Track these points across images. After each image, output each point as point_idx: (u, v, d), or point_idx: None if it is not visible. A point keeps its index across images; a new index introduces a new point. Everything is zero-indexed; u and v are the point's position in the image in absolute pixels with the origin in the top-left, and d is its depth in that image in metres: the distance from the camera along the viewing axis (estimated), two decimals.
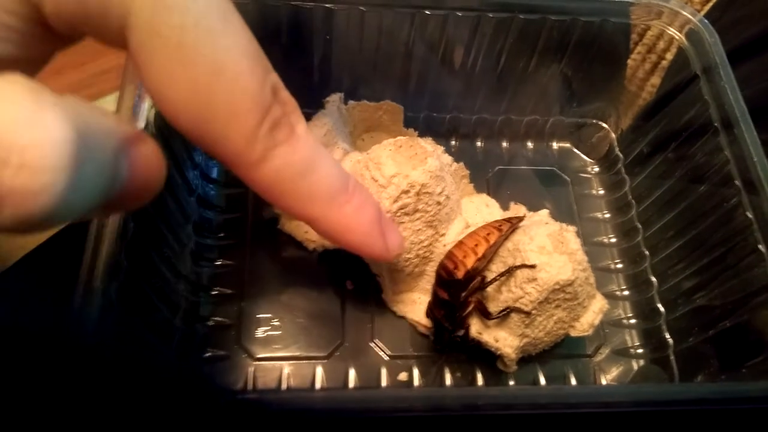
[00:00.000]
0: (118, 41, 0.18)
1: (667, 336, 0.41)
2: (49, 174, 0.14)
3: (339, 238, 0.25)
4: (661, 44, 0.46)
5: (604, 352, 0.42)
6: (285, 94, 0.21)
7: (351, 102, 0.44)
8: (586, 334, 0.37)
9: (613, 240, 0.47)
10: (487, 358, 0.39)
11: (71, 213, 0.16)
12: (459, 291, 0.35)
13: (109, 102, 0.49)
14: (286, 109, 0.21)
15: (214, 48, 0.18)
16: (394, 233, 0.27)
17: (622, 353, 0.42)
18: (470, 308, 0.36)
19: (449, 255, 0.36)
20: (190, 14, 0.18)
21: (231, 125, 0.19)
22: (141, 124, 0.34)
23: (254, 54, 0.20)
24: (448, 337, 0.37)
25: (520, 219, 0.39)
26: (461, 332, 0.37)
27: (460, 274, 0.35)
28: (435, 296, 0.36)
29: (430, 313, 0.38)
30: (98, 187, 0.17)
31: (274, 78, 0.21)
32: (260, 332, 0.40)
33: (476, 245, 0.35)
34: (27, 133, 0.14)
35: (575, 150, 0.52)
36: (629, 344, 0.43)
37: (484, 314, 0.37)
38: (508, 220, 0.38)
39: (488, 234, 0.36)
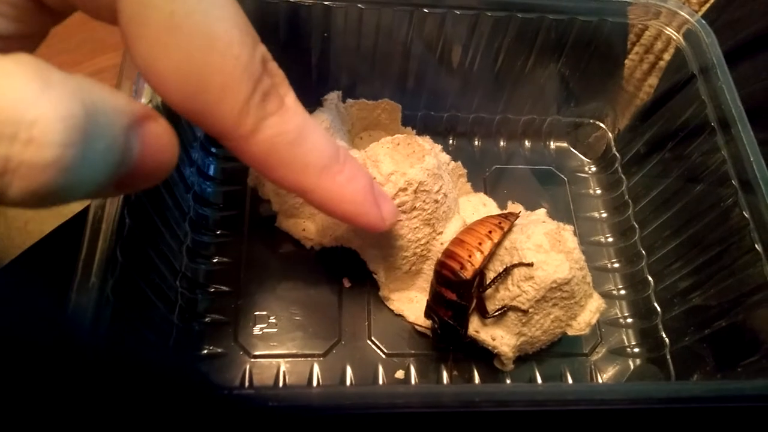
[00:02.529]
0: (109, 15, 0.18)
1: (664, 335, 0.41)
2: (56, 149, 0.15)
3: (334, 209, 0.25)
4: (659, 44, 0.46)
5: (601, 351, 0.42)
6: (273, 66, 0.21)
7: (349, 100, 0.44)
8: (582, 333, 0.37)
9: (610, 239, 0.48)
10: (484, 356, 0.39)
11: (81, 188, 0.16)
12: (468, 291, 0.35)
13: None
14: (275, 81, 0.21)
15: (206, 18, 0.19)
16: (387, 203, 0.28)
17: (618, 352, 0.42)
18: (472, 306, 0.36)
19: (451, 254, 0.35)
20: None
21: (223, 96, 0.20)
22: None
23: (244, 25, 0.20)
24: (458, 337, 0.37)
25: (517, 216, 0.39)
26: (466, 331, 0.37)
27: (467, 274, 0.35)
28: (439, 297, 0.36)
29: (429, 314, 0.37)
30: (108, 163, 0.17)
31: (263, 49, 0.21)
32: (257, 329, 0.40)
33: (480, 243, 0.35)
34: (34, 109, 0.15)
35: (572, 149, 0.52)
36: (626, 343, 0.43)
37: (482, 312, 0.36)
38: (506, 216, 0.38)
39: (490, 232, 0.36)
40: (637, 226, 0.46)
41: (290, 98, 0.22)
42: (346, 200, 0.25)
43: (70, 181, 0.16)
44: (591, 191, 0.50)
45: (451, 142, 0.51)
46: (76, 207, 0.38)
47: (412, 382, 0.39)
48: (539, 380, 0.40)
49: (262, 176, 0.30)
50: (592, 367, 0.42)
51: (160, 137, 0.19)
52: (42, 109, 0.15)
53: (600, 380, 0.41)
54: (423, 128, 0.49)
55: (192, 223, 0.41)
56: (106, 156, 0.17)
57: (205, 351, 0.39)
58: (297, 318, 0.40)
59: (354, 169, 0.25)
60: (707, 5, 0.48)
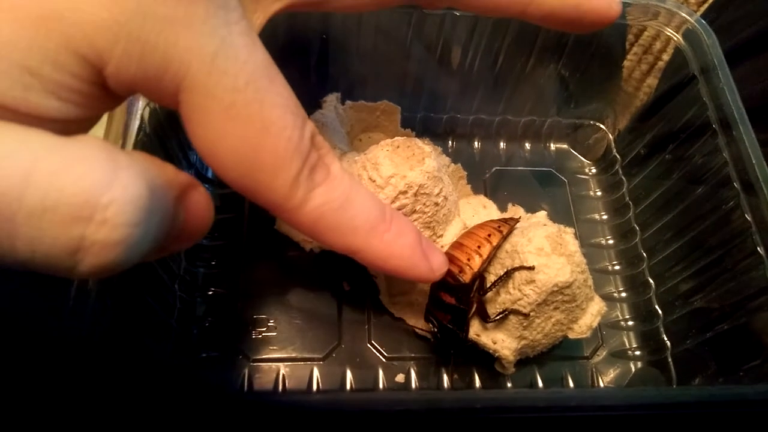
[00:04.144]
0: (172, 102, 0.20)
1: (665, 338, 0.41)
2: (126, 228, 0.16)
3: (384, 266, 0.26)
4: (658, 45, 0.46)
5: (602, 354, 0.42)
6: (319, 139, 0.23)
7: (348, 102, 0.44)
8: (584, 336, 0.37)
9: (611, 241, 0.47)
10: (484, 359, 0.39)
11: (137, 258, 0.17)
12: (467, 295, 0.35)
13: None
14: (321, 153, 0.23)
15: (262, 106, 0.20)
16: (436, 253, 0.29)
17: (619, 355, 0.42)
18: (473, 310, 0.36)
19: (451, 259, 0.35)
20: (242, 77, 0.19)
21: (276, 174, 0.21)
22: (135, 122, 0.33)
23: (295, 107, 0.21)
24: (458, 341, 0.36)
25: (516, 220, 0.39)
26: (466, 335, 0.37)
27: (466, 277, 0.34)
28: (438, 301, 0.36)
29: (429, 317, 0.37)
30: (159, 234, 0.18)
31: (311, 126, 0.22)
32: (256, 333, 0.39)
33: (479, 247, 0.35)
34: (108, 192, 0.16)
35: (572, 151, 0.52)
36: (627, 346, 0.43)
37: (483, 316, 0.36)
38: (506, 221, 0.38)
39: (489, 235, 0.36)
40: (638, 228, 0.46)
41: (335, 167, 0.24)
42: (396, 256, 0.26)
43: (131, 255, 0.17)
44: (591, 193, 0.50)
45: (450, 143, 0.50)
46: None
47: (413, 385, 0.39)
48: (540, 384, 0.40)
49: (314, 240, 0.32)
50: (593, 370, 0.42)
51: (202, 204, 0.21)
52: (115, 192, 0.16)
53: (601, 383, 0.41)
54: (422, 130, 0.49)
55: None
56: (159, 228, 0.18)
57: (204, 355, 0.39)
58: (296, 321, 0.40)
59: (401, 225, 0.26)
60: (706, 5, 0.47)
